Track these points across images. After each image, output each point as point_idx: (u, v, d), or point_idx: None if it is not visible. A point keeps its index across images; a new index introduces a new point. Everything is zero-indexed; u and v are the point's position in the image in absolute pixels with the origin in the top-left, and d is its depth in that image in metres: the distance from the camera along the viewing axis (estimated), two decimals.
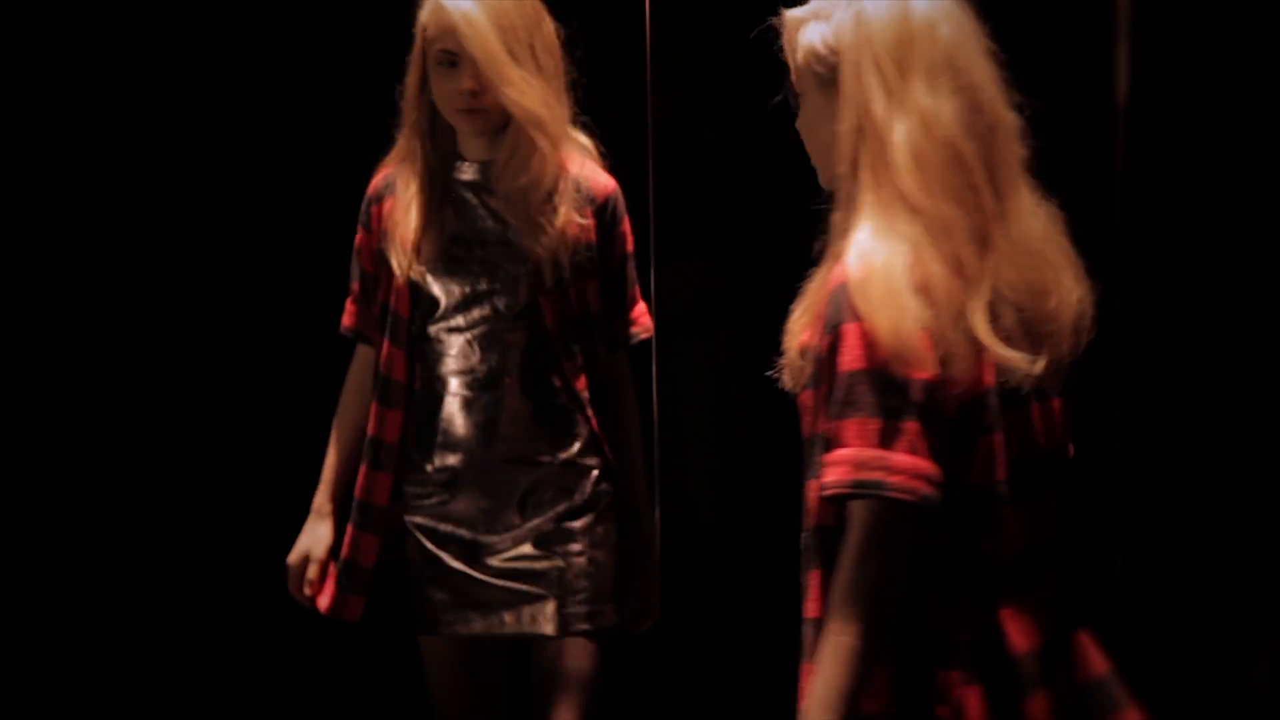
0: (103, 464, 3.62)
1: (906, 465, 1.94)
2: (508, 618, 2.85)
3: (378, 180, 2.93)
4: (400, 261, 2.85)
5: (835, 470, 1.95)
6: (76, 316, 3.58)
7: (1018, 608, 2.03)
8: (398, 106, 2.89)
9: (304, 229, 3.62)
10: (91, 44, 3.50)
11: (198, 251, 3.60)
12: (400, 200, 2.87)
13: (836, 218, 2.04)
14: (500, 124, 2.82)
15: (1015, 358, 1.97)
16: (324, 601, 2.93)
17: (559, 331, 2.84)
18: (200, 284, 3.62)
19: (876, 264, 1.95)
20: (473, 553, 2.86)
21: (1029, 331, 2.01)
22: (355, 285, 2.96)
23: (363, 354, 2.98)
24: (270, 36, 3.54)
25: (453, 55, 2.78)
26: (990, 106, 2.02)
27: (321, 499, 2.97)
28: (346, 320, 2.98)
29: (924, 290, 1.95)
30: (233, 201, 3.59)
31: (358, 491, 2.93)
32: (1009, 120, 2.03)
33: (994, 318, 1.98)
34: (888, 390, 1.94)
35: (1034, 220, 2.04)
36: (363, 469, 2.92)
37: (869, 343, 1.94)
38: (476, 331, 2.85)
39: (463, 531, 2.87)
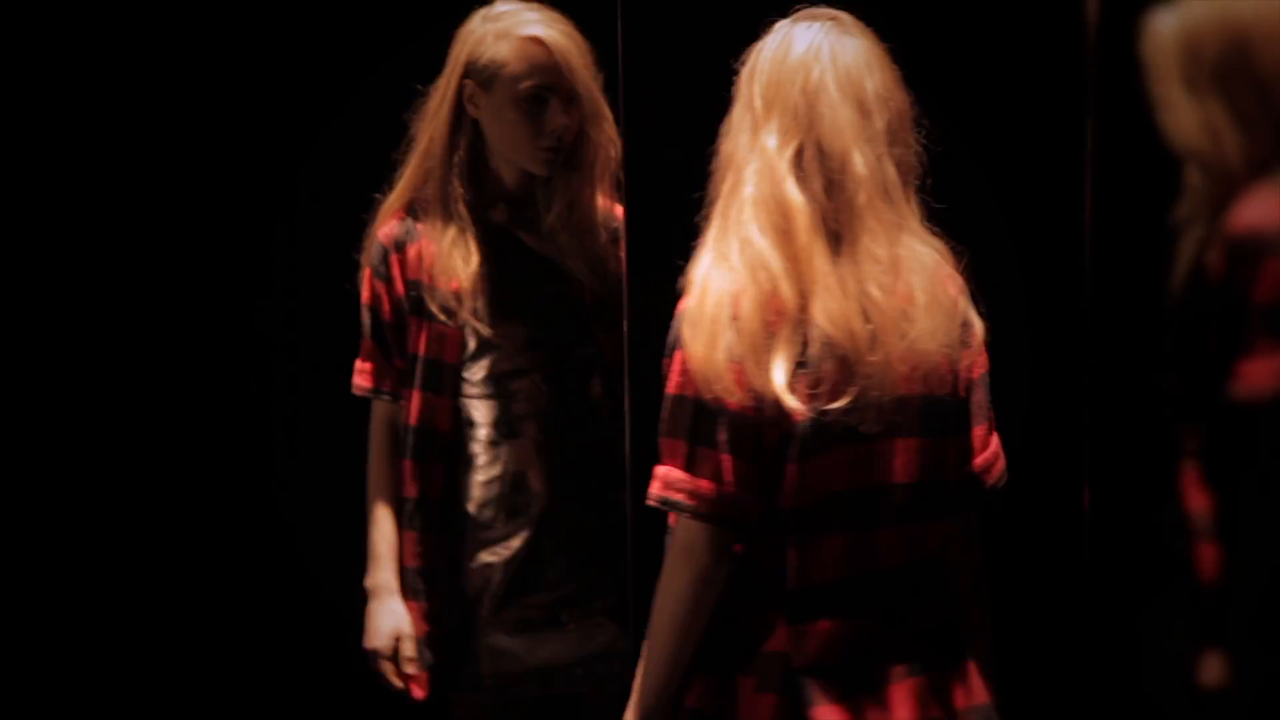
0: (97, 466, 3.56)
1: (704, 489, 2.09)
2: (584, 672, 2.77)
3: (391, 228, 2.77)
4: (449, 306, 2.72)
5: (652, 484, 2.13)
6: (73, 318, 3.53)
7: (831, 626, 2.13)
8: (406, 145, 2.76)
9: (303, 230, 3.57)
10: (89, 44, 3.46)
11: (195, 253, 3.55)
12: (433, 244, 2.73)
13: (696, 243, 2.16)
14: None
15: (792, 403, 2.05)
16: (420, 691, 2.79)
17: (619, 369, 2.74)
18: (197, 286, 3.56)
19: (705, 293, 2.09)
20: (550, 607, 2.76)
21: (846, 373, 2.07)
22: (369, 342, 2.81)
23: (383, 411, 2.83)
24: (270, 37, 3.50)
25: (547, 91, 2.66)
26: (841, 154, 2.08)
27: (387, 574, 2.78)
28: (363, 380, 2.82)
29: (738, 322, 2.05)
30: (231, 203, 3.54)
31: (411, 559, 2.78)
32: (857, 168, 2.09)
33: (803, 356, 2.07)
34: (698, 416, 2.09)
35: (881, 266, 2.10)
36: (412, 535, 2.77)
37: (686, 370, 2.09)
38: (538, 374, 2.75)
39: (535, 587, 2.76)
